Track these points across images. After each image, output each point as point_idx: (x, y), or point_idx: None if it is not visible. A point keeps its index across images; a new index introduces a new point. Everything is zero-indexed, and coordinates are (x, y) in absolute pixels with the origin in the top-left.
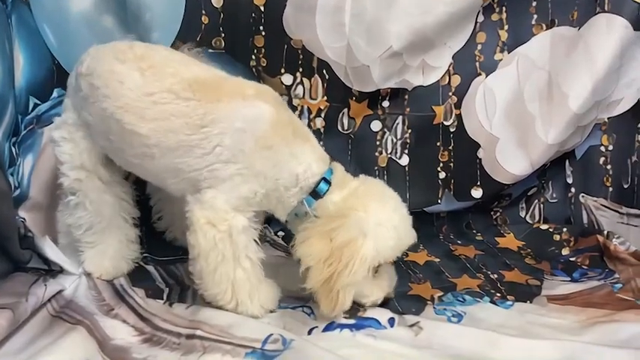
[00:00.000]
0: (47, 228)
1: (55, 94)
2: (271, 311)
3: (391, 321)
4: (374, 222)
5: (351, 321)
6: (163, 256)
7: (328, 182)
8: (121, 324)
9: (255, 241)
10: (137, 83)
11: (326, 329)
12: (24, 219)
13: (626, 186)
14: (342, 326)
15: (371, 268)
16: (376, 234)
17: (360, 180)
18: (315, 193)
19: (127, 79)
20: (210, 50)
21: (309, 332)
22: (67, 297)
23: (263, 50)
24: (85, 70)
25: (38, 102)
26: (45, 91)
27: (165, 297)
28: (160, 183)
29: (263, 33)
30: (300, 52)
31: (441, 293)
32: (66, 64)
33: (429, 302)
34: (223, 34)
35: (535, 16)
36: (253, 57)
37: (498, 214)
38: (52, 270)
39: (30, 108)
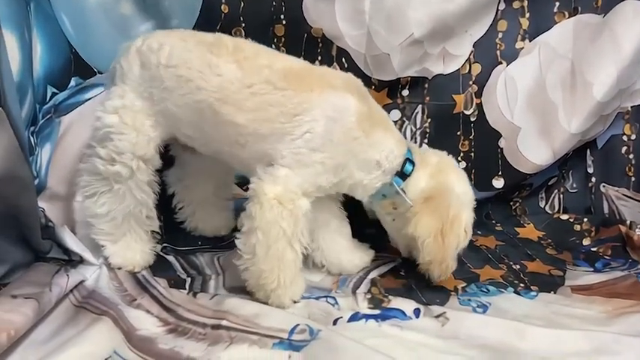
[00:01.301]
0: (65, 218)
1: (72, 82)
2: (294, 302)
3: (416, 312)
4: (462, 193)
5: (376, 311)
6: (183, 246)
7: (412, 162)
8: (145, 314)
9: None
10: (236, 75)
11: (351, 319)
12: (43, 209)
13: None
14: (367, 317)
15: None
16: (467, 203)
17: (436, 154)
18: (402, 174)
19: (226, 72)
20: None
21: (334, 323)
22: (89, 287)
23: (283, 39)
24: (168, 61)
25: (56, 91)
26: (63, 80)
27: (187, 287)
28: (245, 169)
29: (284, 22)
30: (319, 40)
31: (465, 284)
32: (83, 53)
33: (452, 293)
34: (243, 24)
35: (557, 4)
36: (273, 46)
37: (518, 204)
38: (71, 260)
39: (48, 97)
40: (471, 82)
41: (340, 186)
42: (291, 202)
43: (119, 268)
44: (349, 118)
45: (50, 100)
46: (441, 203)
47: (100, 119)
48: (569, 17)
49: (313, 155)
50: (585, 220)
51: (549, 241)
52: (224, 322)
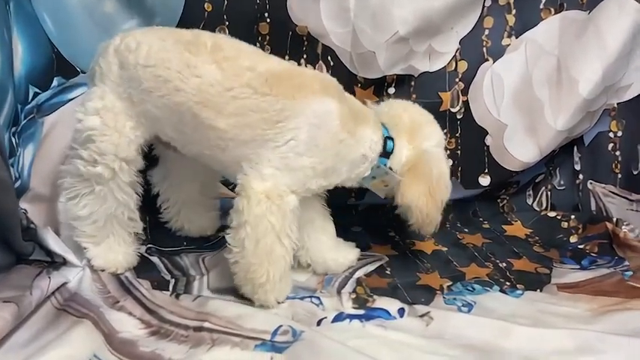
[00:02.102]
0: (48, 219)
1: (55, 82)
2: (278, 302)
3: (401, 311)
4: (436, 144)
5: (361, 311)
6: (168, 247)
7: (391, 139)
8: (127, 317)
9: (294, 226)
10: (216, 78)
11: (335, 320)
12: (25, 210)
13: (635, 172)
14: (352, 317)
15: None
16: (443, 153)
17: (403, 109)
18: (385, 153)
19: (205, 74)
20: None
21: (318, 323)
22: (71, 290)
23: (268, 38)
24: (146, 61)
25: (38, 91)
26: (45, 79)
27: (171, 288)
28: (224, 170)
29: (268, 20)
30: (305, 38)
31: (450, 283)
32: (66, 52)
33: (438, 292)
34: (227, 22)
35: (543, 0)
36: (258, 44)
37: (505, 201)
38: (54, 262)
39: (30, 97)
40: (457, 80)
41: (329, 183)
42: (279, 198)
43: (102, 270)
44: (333, 122)
45: (32, 100)
46: (424, 169)
47: (81, 121)
48: (555, 14)
49: (300, 160)
50: (572, 217)
51: (536, 238)
52: (206, 324)
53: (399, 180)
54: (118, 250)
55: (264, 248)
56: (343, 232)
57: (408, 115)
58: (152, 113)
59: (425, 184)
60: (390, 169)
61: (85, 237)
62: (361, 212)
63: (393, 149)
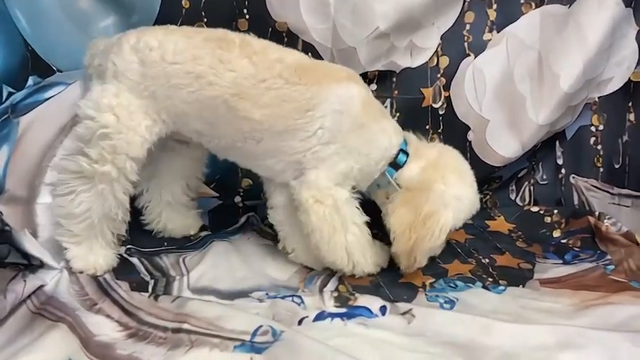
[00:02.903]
0: (24, 221)
1: (30, 81)
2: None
3: (383, 309)
4: (453, 195)
5: (342, 310)
6: (148, 247)
7: (406, 153)
8: (105, 319)
9: (357, 208)
10: (250, 71)
11: (316, 319)
12: (1, 212)
13: (617, 166)
14: (333, 315)
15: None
16: (454, 206)
17: (437, 149)
18: (395, 164)
19: (239, 68)
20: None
21: (300, 322)
22: (48, 293)
23: (247, 34)
24: (174, 58)
25: (13, 90)
26: (19, 79)
27: (150, 289)
28: (253, 163)
29: (247, 16)
30: (284, 35)
31: (433, 279)
32: (41, 50)
33: (420, 289)
34: (206, 19)
35: None
36: None
37: (488, 196)
38: (31, 265)
39: (4, 97)
40: (439, 75)
41: (362, 173)
42: (330, 197)
43: (80, 272)
44: (354, 106)
45: (7, 100)
46: (418, 198)
47: (92, 118)
48: (535, 8)
49: (328, 149)
50: (555, 211)
51: (519, 233)
52: (185, 326)
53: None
54: (98, 252)
55: (336, 245)
56: None
57: (438, 155)
58: (179, 109)
59: (412, 215)
60: (397, 184)
61: (69, 236)
62: None
63: (404, 163)
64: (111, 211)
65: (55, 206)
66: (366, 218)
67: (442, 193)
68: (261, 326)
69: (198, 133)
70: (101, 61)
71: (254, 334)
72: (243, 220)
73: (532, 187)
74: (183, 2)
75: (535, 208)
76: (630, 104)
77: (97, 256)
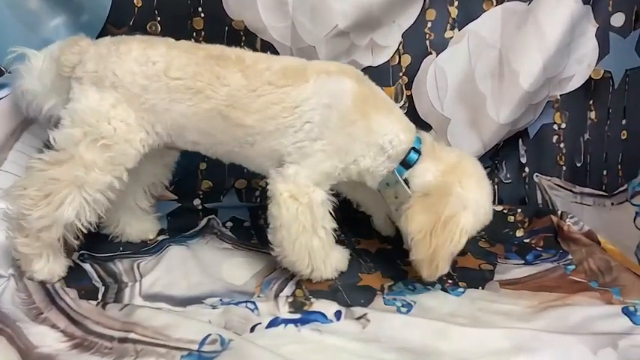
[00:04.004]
0: None
1: None
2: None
3: (338, 314)
4: (473, 199)
5: (297, 316)
6: (102, 253)
7: (418, 152)
8: (50, 329)
9: (329, 212)
10: (242, 83)
11: (270, 325)
12: None
13: (579, 164)
14: (287, 321)
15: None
16: (474, 209)
17: (456, 154)
18: (405, 163)
19: (232, 82)
20: (146, 36)
21: (252, 329)
22: None
23: (203, 33)
24: (176, 74)
25: None
26: None
27: (100, 297)
28: (251, 165)
29: (202, 15)
30: (242, 33)
31: (392, 282)
32: None
33: (378, 292)
34: (159, 18)
35: None
36: (193, 40)
37: None
38: None
39: None
40: (400, 74)
41: (348, 172)
42: (306, 196)
43: (19, 275)
44: (345, 101)
45: None
46: (438, 202)
47: (92, 125)
48: (496, 5)
49: (314, 145)
50: (519, 210)
51: (483, 233)
52: (132, 335)
53: (410, 197)
54: (55, 260)
55: (301, 246)
56: None
57: (458, 160)
58: (178, 122)
59: (432, 218)
60: (407, 183)
61: (34, 247)
62: None
63: (415, 162)
64: (84, 218)
65: (17, 213)
66: (334, 225)
67: (461, 196)
68: (209, 335)
69: (194, 143)
70: (97, 68)
71: (202, 343)
72: (203, 223)
73: (496, 187)
74: (135, 1)
75: (499, 207)
76: (591, 102)
77: (55, 264)
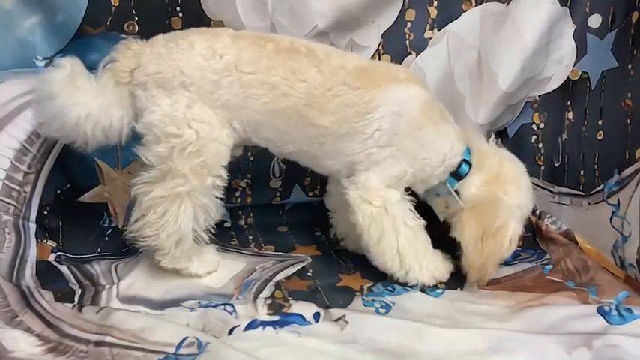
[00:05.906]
0: None
1: None
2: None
3: (316, 316)
4: (515, 205)
5: (275, 318)
6: (79, 254)
7: (468, 164)
8: (24, 333)
9: (411, 210)
10: (319, 80)
11: (248, 327)
12: None
13: (557, 164)
14: (265, 324)
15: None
16: (518, 216)
17: (498, 158)
18: (457, 175)
19: (309, 78)
20: (123, 35)
21: (230, 332)
22: None
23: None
24: (248, 68)
25: None
26: None
27: (76, 299)
28: (313, 164)
29: (180, 15)
30: None
31: (371, 283)
32: None
33: (357, 293)
34: (137, 18)
35: None
36: None
37: None
38: None
39: None
40: None
41: (416, 178)
42: (379, 198)
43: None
44: (413, 107)
45: None
46: (488, 213)
47: (176, 136)
48: (475, 5)
49: (383, 152)
50: None
51: None
52: (108, 339)
53: (461, 208)
54: (203, 254)
55: (388, 246)
56: (269, 232)
57: (498, 164)
58: (253, 118)
59: (482, 228)
60: (457, 193)
61: (182, 259)
62: (287, 212)
63: (466, 175)
64: (202, 221)
65: (149, 242)
66: (422, 222)
67: (507, 206)
68: (186, 338)
69: (267, 140)
70: (160, 69)
71: (179, 345)
72: None
73: None
74: (112, 0)
75: None
76: (569, 103)
77: (207, 255)
